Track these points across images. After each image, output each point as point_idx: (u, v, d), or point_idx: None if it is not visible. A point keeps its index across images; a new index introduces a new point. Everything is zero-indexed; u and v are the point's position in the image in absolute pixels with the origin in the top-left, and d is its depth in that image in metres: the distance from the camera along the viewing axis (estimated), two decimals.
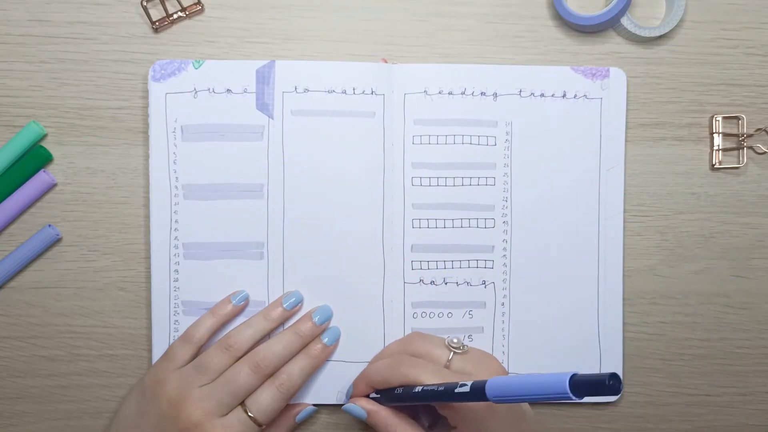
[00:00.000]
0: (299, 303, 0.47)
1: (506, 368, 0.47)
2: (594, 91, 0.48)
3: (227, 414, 0.42)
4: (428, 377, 0.41)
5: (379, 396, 0.44)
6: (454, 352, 0.43)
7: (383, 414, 0.43)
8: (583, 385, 0.31)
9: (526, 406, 0.43)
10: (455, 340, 0.43)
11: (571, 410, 0.49)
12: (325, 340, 0.46)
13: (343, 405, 0.45)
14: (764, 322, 0.49)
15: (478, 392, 0.36)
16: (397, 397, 0.42)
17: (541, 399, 0.33)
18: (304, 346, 0.45)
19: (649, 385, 0.49)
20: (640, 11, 0.49)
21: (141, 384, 0.45)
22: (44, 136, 0.47)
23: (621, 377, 0.30)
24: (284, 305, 0.46)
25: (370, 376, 0.44)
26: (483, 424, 0.40)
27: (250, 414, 0.42)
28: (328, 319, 0.47)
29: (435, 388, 0.39)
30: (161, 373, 0.44)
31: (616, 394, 0.30)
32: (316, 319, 0.46)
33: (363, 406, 0.44)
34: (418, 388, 0.40)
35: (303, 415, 0.47)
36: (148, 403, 0.43)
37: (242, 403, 0.43)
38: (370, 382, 0.44)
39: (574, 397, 0.31)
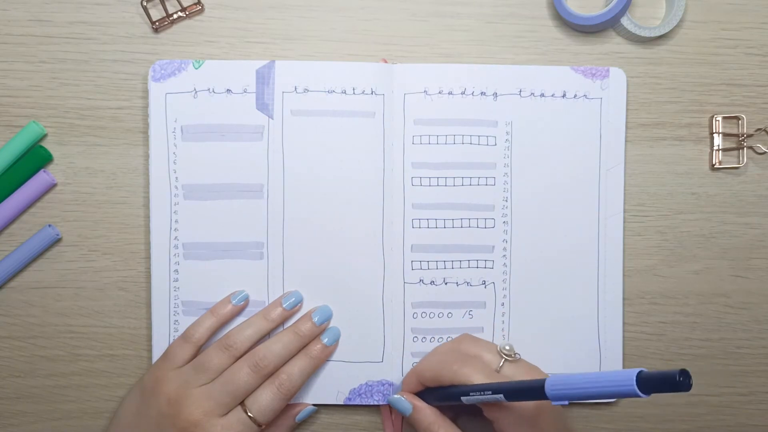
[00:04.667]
0: (299, 303, 0.47)
1: None
2: (594, 91, 0.48)
3: (227, 414, 0.42)
4: (479, 378, 0.41)
5: (431, 394, 0.44)
6: (506, 359, 0.43)
7: (427, 412, 0.43)
8: (651, 381, 0.31)
9: (564, 413, 0.43)
10: (507, 348, 0.43)
11: (570, 410, 0.49)
12: (325, 340, 0.46)
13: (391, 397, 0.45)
14: (764, 322, 0.49)
15: (536, 389, 0.36)
16: (446, 394, 0.42)
17: (603, 396, 0.33)
18: (303, 346, 0.45)
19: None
20: (640, 11, 0.49)
21: (140, 384, 0.45)
22: (44, 136, 0.47)
23: (690, 373, 0.30)
24: (284, 305, 0.46)
25: (421, 371, 0.44)
26: (529, 430, 0.40)
27: (249, 414, 0.42)
28: (328, 319, 0.47)
29: (491, 388, 0.39)
30: (161, 372, 0.44)
31: (687, 390, 0.30)
32: (315, 319, 0.46)
33: (410, 401, 0.44)
34: (471, 385, 0.40)
35: (303, 414, 0.47)
36: (148, 403, 0.43)
37: (242, 403, 0.43)
38: (420, 377, 0.44)
39: (641, 394, 0.31)
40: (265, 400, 0.43)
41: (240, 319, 0.47)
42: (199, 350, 0.45)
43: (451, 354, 0.44)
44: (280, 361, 0.44)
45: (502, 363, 0.42)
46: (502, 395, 0.38)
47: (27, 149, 0.47)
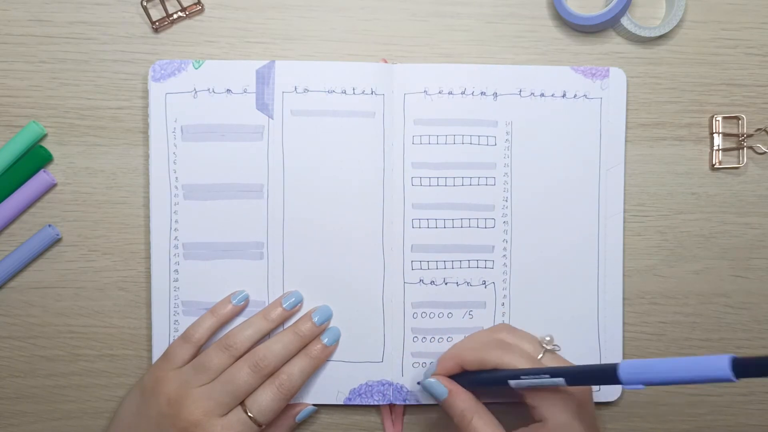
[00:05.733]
0: (299, 303, 0.47)
1: None
2: (594, 90, 0.48)
3: (227, 414, 0.42)
4: (523, 365, 0.41)
5: (466, 378, 0.43)
6: (546, 349, 0.42)
7: (463, 397, 0.42)
8: (746, 366, 0.31)
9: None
10: (548, 338, 0.43)
11: None
12: (325, 340, 0.46)
13: (420, 381, 0.45)
14: (764, 322, 0.49)
15: (607, 372, 0.36)
16: (490, 378, 0.41)
17: (689, 381, 0.33)
18: (303, 346, 0.45)
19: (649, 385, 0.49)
20: (640, 11, 0.49)
21: (140, 384, 0.45)
22: (44, 136, 0.47)
23: None
24: (284, 305, 0.46)
25: (462, 355, 0.43)
26: (571, 419, 0.40)
27: (249, 414, 0.42)
28: (328, 319, 0.47)
29: (548, 372, 0.39)
30: (161, 372, 0.44)
31: None
32: (315, 319, 0.46)
33: (446, 385, 0.43)
34: (527, 370, 0.40)
35: (303, 414, 0.47)
36: (148, 403, 0.43)
37: (242, 403, 0.43)
38: (461, 361, 0.43)
39: (734, 379, 0.31)
40: (265, 400, 0.43)
41: (240, 319, 0.47)
42: (199, 350, 0.45)
43: (492, 341, 0.44)
44: (280, 361, 0.44)
45: (542, 354, 0.42)
46: (563, 379, 0.38)
47: (27, 149, 0.47)
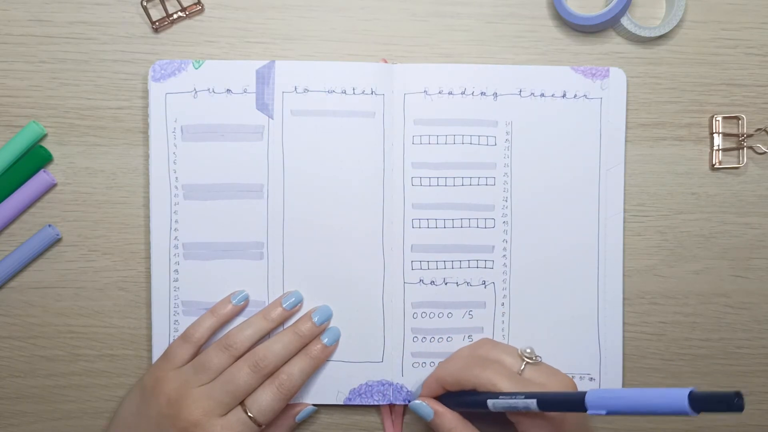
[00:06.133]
0: (299, 303, 0.47)
1: None
2: (594, 91, 0.48)
3: (227, 414, 0.42)
4: (502, 381, 0.41)
5: (453, 399, 0.44)
6: (527, 362, 0.43)
7: (449, 416, 0.43)
8: (704, 401, 0.31)
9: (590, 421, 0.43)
10: (528, 350, 0.43)
11: None
12: (325, 340, 0.46)
13: (410, 403, 0.45)
14: (764, 322, 0.49)
15: (575, 401, 0.36)
16: (471, 400, 0.42)
17: (649, 412, 0.33)
18: (303, 346, 0.45)
19: (649, 385, 0.49)
20: (640, 11, 0.49)
21: (140, 384, 0.45)
22: (44, 136, 0.47)
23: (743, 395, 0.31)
24: (284, 305, 0.46)
25: (441, 376, 0.44)
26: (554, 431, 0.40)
27: (249, 414, 0.42)
28: (328, 319, 0.47)
29: (523, 394, 0.39)
30: (161, 372, 0.44)
31: (740, 412, 0.30)
32: (315, 319, 0.46)
33: (431, 406, 0.44)
34: (504, 393, 0.40)
35: (303, 414, 0.47)
36: (148, 403, 0.43)
37: (242, 403, 0.43)
38: (441, 382, 0.44)
39: (692, 413, 0.31)
40: (265, 400, 0.43)
41: (240, 319, 0.47)
42: (199, 350, 0.45)
43: (472, 358, 0.44)
44: (280, 361, 0.44)
45: (523, 366, 0.42)
46: (535, 401, 0.38)
47: (27, 149, 0.47)
